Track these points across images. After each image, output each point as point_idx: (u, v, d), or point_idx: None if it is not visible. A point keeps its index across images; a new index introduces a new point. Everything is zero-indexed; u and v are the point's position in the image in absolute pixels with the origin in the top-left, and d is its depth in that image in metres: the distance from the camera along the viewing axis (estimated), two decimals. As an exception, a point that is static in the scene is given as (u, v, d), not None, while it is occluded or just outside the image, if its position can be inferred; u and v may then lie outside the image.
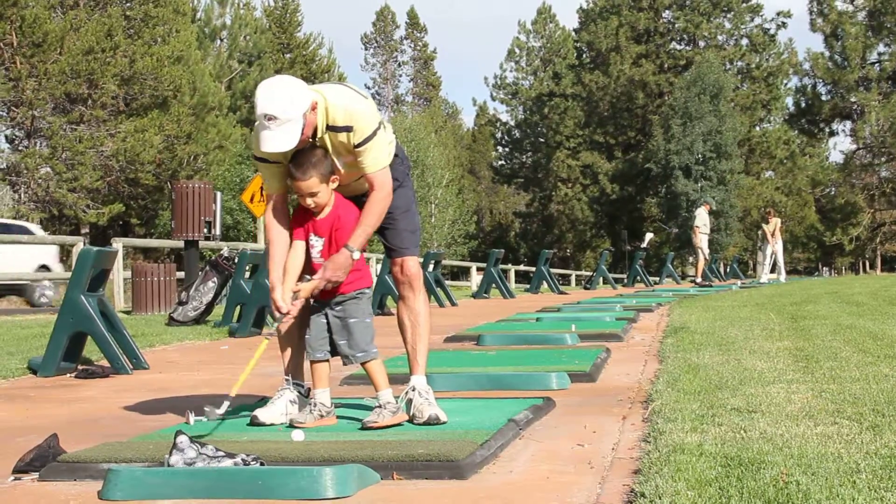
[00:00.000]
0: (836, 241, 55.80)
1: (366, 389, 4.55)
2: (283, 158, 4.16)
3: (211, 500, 3.03)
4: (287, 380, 4.34)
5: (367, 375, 4.22)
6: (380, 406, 4.10)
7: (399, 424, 4.07)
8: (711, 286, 21.97)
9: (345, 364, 4.23)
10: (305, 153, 4.06)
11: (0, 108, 27.79)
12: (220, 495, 3.05)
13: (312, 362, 4.20)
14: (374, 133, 4.10)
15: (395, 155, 4.34)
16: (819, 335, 7.55)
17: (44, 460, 3.51)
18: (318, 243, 4.15)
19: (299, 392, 4.33)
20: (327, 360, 4.20)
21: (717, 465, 3.11)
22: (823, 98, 53.44)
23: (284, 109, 3.90)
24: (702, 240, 23.72)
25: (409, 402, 4.17)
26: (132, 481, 3.11)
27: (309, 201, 4.08)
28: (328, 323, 4.15)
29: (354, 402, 4.71)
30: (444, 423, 4.06)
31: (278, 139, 3.93)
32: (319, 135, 4.09)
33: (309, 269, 4.16)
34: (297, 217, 4.21)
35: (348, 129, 4.06)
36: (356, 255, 4.07)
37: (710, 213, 24.93)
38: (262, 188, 17.64)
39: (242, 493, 3.05)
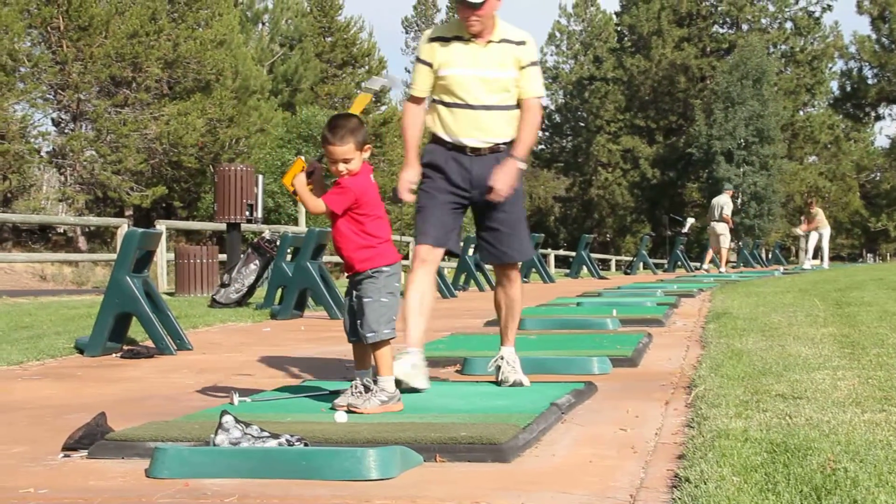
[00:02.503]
0: (881, 227, 55.11)
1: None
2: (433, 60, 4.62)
3: (256, 479, 3.06)
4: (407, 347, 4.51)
5: (374, 358, 4.17)
6: (372, 390, 4.06)
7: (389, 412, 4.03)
8: (709, 273, 20.88)
9: (364, 343, 4.18)
10: (342, 119, 4.15)
11: (47, 91, 28.10)
12: (264, 475, 3.08)
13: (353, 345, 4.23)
14: (538, 61, 4.69)
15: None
16: (865, 322, 7.45)
17: (92, 438, 3.57)
18: None
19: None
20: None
21: (762, 451, 3.08)
22: (870, 82, 52.73)
23: None
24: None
25: (498, 367, 4.80)
26: (179, 460, 3.15)
27: (341, 167, 4.09)
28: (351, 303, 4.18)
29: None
30: (527, 386, 4.63)
31: None
32: (495, 39, 4.56)
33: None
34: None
35: (522, 42, 4.62)
36: (522, 166, 4.60)
37: (733, 198, 23.94)
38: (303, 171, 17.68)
39: (287, 473, 3.07)
